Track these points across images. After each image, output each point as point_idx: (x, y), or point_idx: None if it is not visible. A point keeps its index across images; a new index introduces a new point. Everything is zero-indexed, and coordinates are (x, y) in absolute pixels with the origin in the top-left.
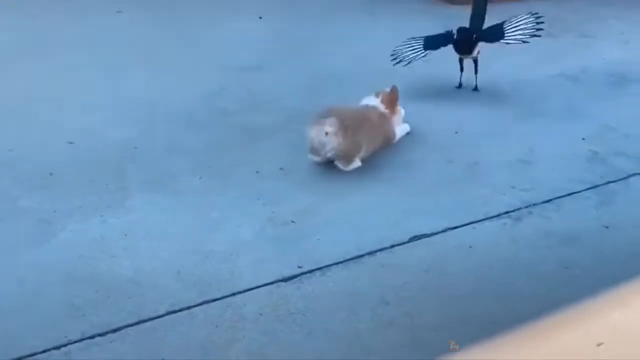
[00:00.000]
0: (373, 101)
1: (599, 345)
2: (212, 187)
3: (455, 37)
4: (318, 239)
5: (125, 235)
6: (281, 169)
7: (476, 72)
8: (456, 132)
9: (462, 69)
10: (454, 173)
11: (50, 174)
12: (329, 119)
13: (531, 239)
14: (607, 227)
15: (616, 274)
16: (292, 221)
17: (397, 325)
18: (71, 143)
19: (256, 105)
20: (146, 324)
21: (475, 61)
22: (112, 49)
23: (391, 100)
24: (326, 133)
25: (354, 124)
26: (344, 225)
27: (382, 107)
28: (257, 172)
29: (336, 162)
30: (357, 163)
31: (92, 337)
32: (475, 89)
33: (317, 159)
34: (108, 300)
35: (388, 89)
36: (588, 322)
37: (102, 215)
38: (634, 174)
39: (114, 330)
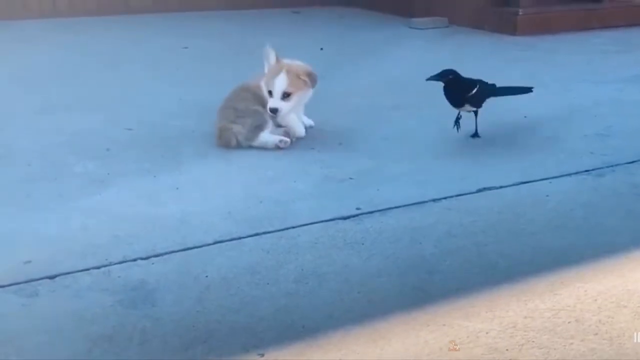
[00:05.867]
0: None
1: None
2: (267, 156)
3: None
4: (378, 190)
5: (177, 188)
6: (340, 143)
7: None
8: (525, 117)
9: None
10: (526, 142)
11: (107, 150)
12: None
13: (616, 189)
14: None
15: None
16: (351, 178)
17: (465, 251)
18: (129, 130)
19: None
20: (192, 251)
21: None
22: (177, 70)
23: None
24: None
25: None
26: (406, 180)
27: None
28: (312, 148)
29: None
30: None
31: (134, 260)
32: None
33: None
34: (153, 233)
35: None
36: None
37: (154, 176)
38: None
39: (157, 255)
